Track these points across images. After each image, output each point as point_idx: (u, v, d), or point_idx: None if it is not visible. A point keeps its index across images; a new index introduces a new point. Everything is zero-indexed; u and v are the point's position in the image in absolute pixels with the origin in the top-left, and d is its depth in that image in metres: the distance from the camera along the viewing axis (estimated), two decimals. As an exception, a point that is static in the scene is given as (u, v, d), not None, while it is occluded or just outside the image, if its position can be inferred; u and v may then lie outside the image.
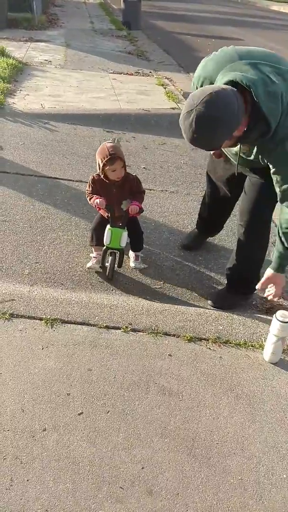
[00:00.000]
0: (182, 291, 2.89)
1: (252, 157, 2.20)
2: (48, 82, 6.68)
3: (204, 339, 2.45)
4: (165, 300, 2.77)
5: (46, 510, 1.61)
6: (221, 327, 2.54)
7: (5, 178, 3.94)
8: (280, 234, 2.24)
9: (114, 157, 2.61)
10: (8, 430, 1.86)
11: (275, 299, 2.48)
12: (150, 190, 3.94)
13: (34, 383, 2.07)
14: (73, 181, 4.04)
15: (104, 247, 2.81)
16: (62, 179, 4.06)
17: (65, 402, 2.00)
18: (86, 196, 2.86)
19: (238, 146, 2.19)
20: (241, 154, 2.24)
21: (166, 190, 4.06)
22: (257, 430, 1.99)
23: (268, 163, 2.13)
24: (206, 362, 2.30)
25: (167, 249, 3.26)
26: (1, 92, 5.67)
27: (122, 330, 2.43)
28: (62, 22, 12.31)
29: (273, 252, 2.34)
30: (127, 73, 7.70)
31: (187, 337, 2.43)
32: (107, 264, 2.85)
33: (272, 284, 2.40)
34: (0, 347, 2.24)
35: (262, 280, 2.40)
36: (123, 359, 2.25)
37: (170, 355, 2.31)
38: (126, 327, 2.44)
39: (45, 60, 7.95)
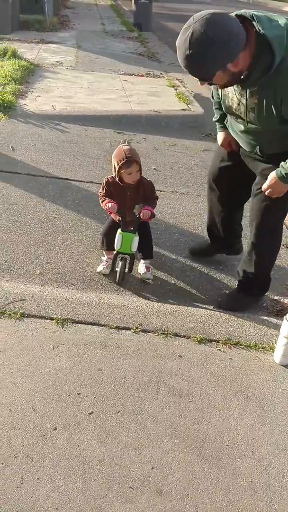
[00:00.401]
0: (193, 292, 2.89)
1: (264, 112, 2.06)
2: (59, 83, 6.73)
3: (215, 340, 2.45)
4: (175, 301, 2.77)
5: (57, 509, 1.62)
6: (231, 329, 2.54)
7: (17, 179, 3.97)
8: None
9: (131, 160, 2.60)
10: (19, 428, 1.87)
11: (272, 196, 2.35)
12: (161, 191, 3.94)
13: (45, 382, 2.08)
14: (84, 182, 4.06)
15: (115, 252, 2.78)
16: (73, 180, 4.09)
17: (75, 402, 2.01)
18: (99, 198, 2.84)
19: (245, 102, 2.10)
20: (250, 114, 2.12)
21: (177, 192, 4.06)
22: (268, 432, 1.98)
23: (283, 101, 1.98)
24: (216, 364, 2.30)
25: (177, 251, 3.26)
26: (12, 93, 5.72)
27: (132, 330, 2.44)
28: (73, 24, 12.37)
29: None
30: (138, 75, 7.73)
31: (197, 339, 2.43)
32: (117, 269, 2.82)
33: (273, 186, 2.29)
34: (11, 346, 2.26)
35: (266, 183, 2.29)
36: (134, 359, 2.26)
37: (180, 356, 2.32)
38: (137, 328, 2.45)
39: (57, 61, 8.00)
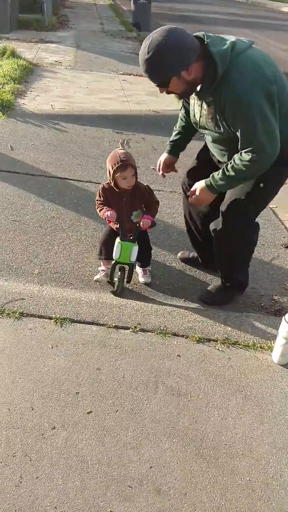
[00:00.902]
0: (191, 292, 2.89)
1: (218, 121, 2.24)
2: (58, 83, 6.73)
3: (213, 340, 2.45)
4: (174, 300, 2.77)
5: (55, 508, 1.62)
6: (229, 328, 2.54)
7: (16, 178, 3.97)
8: (229, 165, 2.28)
9: (125, 164, 2.53)
10: (18, 428, 1.87)
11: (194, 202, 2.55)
12: (159, 191, 3.94)
13: (44, 381, 2.09)
14: (83, 181, 4.07)
15: (113, 262, 2.67)
16: (71, 179, 4.09)
17: (74, 401, 2.01)
18: (96, 206, 2.74)
19: (205, 113, 2.28)
20: (210, 124, 2.30)
21: (175, 191, 4.06)
22: (266, 431, 1.99)
23: (228, 117, 2.17)
24: (215, 363, 2.30)
25: (176, 250, 3.26)
26: (11, 93, 5.72)
27: (131, 330, 2.44)
28: (72, 24, 12.38)
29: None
30: (136, 74, 7.72)
31: (196, 338, 2.43)
32: (116, 279, 2.72)
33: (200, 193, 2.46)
34: (10, 345, 2.26)
35: (193, 188, 2.49)
36: (132, 359, 2.26)
37: (178, 355, 2.32)
38: (135, 327, 2.45)
39: (55, 61, 8.00)
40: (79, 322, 2.46)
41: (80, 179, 4.09)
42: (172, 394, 2.10)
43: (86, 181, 4.07)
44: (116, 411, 1.99)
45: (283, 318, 2.28)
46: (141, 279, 2.88)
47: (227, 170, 2.28)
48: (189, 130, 2.69)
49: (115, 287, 2.74)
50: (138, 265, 2.90)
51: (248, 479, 1.79)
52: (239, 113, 2.12)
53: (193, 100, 2.36)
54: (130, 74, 7.68)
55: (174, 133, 2.81)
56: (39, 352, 2.24)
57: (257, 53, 2.18)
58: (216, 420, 2.01)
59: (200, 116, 2.34)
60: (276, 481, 1.80)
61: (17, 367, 2.15)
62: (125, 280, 2.71)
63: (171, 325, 2.50)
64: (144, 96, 6.49)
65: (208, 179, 2.40)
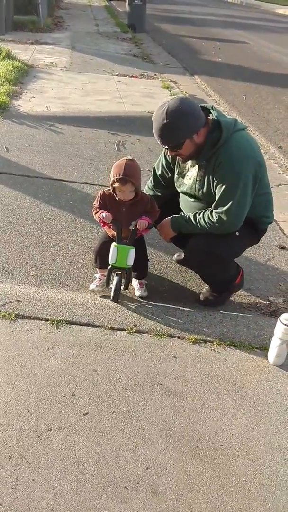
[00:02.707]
0: (187, 292, 2.89)
1: (204, 186, 2.46)
2: (53, 84, 6.73)
3: (209, 341, 2.46)
4: (170, 301, 2.77)
5: (52, 510, 1.62)
6: (225, 329, 2.55)
7: (11, 179, 3.97)
8: (198, 216, 2.50)
9: (125, 180, 2.41)
10: (14, 430, 1.87)
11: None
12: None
13: (40, 383, 2.09)
14: (79, 183, 4.07)
15: (109, 267, 2.56)
16: (67, 181, 4.09)
17: (70, 403, 2.01)
18: (92, 209, 2.64)
19: (195, 175, 2.50)
20: (195, 185, 2.51)
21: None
22: (262, 432, 1.99)
23: (216, 177, 2.39)
24: (211, 364, 2.31)
25: (171, 251, 3.26)
26: (7, 94, 5.71)
27: (127, 331, 2.44)
28: (67, 25, 12.38)
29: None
30: (132, 76, 7.74)
31: (192, 339, 2.44)
32: (112, 286, 2.61)
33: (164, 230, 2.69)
34: (6, 347, 2.26)
35: (160, 223, 2.69)
36: (128, 360, 2.27)
37: (174, 356, 2.33)
38: (131, 329, 2.46)
39: (51, 62, 8.00)
40: (75, 323, 2.46)
41: (75, 181, 4.09)
42: (168, 395, 2.11)
43: (81, 182, 4.07)
44: (113, 413, 1.99)
45: (278, 319, 2.29)
46: (137, 292, 2.76)
47: (194, 219, 2.52)
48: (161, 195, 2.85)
49: (112, 293, 2.63)
50: (133, 277, 2.76)
51: (244, 479, 1.80)
52: (227, 177, 2.36)
53: (185, 164, 2.57)
54: (126, 76, 7.70)
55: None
56: (35, 354, 2.24)
57: (251, 137, 2.51)
58: (212, 421, 2.02)
59: (190, 178, 2.55)
60: (272, 482, 1.81)
61: (13, 369, 2.14)
62: (122, 286, 2.61)
63: (167, 327, 2.51)
64: (140, 98, 6.50)
65: (175, 216, 2.62)
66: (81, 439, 1.87)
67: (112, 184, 2.48)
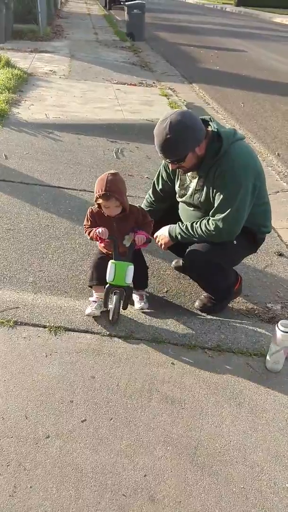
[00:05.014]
0: (185, 299, 2.90)
1: (203, 195, 2.47)
2: (52, 92, 6.77)
3: (207, 347, 2.46)
4: (168, 308, 2.78)
5: (49, 517, 1.61)
6: (223, 336, 2.55)
7: (10, 187, 3.99)
8: (195, 225, 2.52)
9: (108, 195, 2.32)
10: (12, 437, 1.87)
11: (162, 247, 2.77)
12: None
13: (38, 390, 2.09)
14: (77, 190, 4.08)
15: (107, 285, 2.44)
16: (66, 188, 4.10)
17: (68, 409, 2.01)
18: (84, 231, 2.54)
19: (194, 185, 2.51)
20: (197, 193, 2.51)
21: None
22: (260, 438, 1.99)
23: (216, 185, 2.40)
24: (209, 371, 2.31)
25: (170, 258, 3.27)
26: (6, 102, 5.75)
27: (125, 338, 2.45)
28: (66, 33, 12.48)
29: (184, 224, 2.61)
30: (130, 84, 7.79)
31: (190, 346, 2.44)
32: (111, 306, 2.47)
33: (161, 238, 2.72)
34: (4, 354, 2.26)
35: (158, 232, 2.73)
36: (126, 367, 2.27)
37: (172, 363, 2.33)
38: (129, 336, 2.46)
39: (50, 70, 8.06)
40: (73, 330, 2.46)
41: (74, 188, 4.11)
42: (166, 402, 2.11)
43: (80, 189, 4.09)
44: (111, 419, 1.99)
45: (276, 326, 2.30)
46: (137, 305, 2.67)
47: (192, 228, 2.54)
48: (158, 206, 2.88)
49: (111, 314, 2.49)
50: (134, 287, 2.64)
51: (242, 486, 1.80)
52: (228, 186, 2.37)
53: (185, 176, 2.59)
54: (124, 84, 7.75)
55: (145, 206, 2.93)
56: (33, 360, 2.24)
57: (250, 147, 2.53)
58: (210, 427, 2.02)
59: (190, 188, 2.56)
60: (270, 489, 1.80)
61: (11, 375, 2.14)
62: (121, 306, 2.49)
63: (165, 333, 2.51)
64: (138, 105, 6.54)
65: (172, 226, 2.65)
66: (79, 446, 1.87)
67: (96, 201, 2.40)
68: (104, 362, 2.28)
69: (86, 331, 2.46)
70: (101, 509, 1.66)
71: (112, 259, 2.43)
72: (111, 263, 2.41)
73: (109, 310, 2.50)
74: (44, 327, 2.45)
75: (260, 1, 28.48)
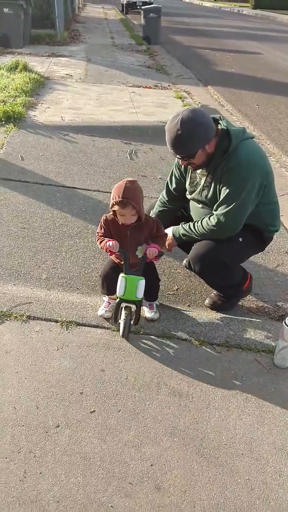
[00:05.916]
0: (195, 297, 2.94)
1: (210, 191, 2.51)
2: (68, 95, 6.88)
3: (215, 343, 2.49)
4: (178, 305, 2.82)
5: (58, 502, 1.67)
6: (232, 332, 2.58)
7: (26, 187, 4.08)
8: (196, 223, 2.58)
9: (124, 203, 2.24)
10: (23, 425, 1.93)
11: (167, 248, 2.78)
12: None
13: (49, 381, 2.15)
14: (91, 190, 4.15)
15: (117, 300, 2.39)
16: (80, 188, 4.18)
17: (78, 401, 2.07)
18: (96, 239, 2.45)
19: (202, 182, 2.55)
20: (205, 190, 2.55)
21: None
22: (266, 432, 2.02)
23: (224, 180, 2.44)
24: (217, 366, 2.34)
25: (181, 256, 3.31)
26: (23, 105, 5.87)
27: (135, 333, 2.49)
28: (83, 38, 12.63)
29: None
30: (146, 87, 7.86)
31: (199, 341, 2.48)
32: (121, 321, 2.43)
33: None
34: (17, 347, 2.33)
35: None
36: (135, 361, 2.32)
37: (180, 358, 2.37)
38: (139, 331, 2.51)
39: (66, 74, 8.18)
40: (84, 325, 2.52)
41: (88, 188, 4.18)
42: (173, 395, 2.15)
43: (94, 190, 4.16)
44: (119, 411, 2.04)
45: (283, 322, 2.32)
46: (147, 314, 2.62)
47: (193, 227, 2.60)
48: (171, 208, 2.90)
49: (121, 329, 2.44)
50: (144, 299, 2.54)
51: (247, 478, 1.83)
52: (234, 182, 2.41)
53: (195, 174, 2.63)
54: (140, 86, 7.82)
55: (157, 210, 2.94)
56: (45, 353, 2.30)
57: (259, 146, 2.57)
58: (217, 420, 2.05)
59: (199, 184, 2.60)
60: (275, 481, 1.83)
61: (24, 367, 2.21)
62: (132, 321, 2.41)
63: (174, 329, 2.55)
64: (153, 108, 6.60)
65: (177, 226, 2.70)
66: (88, 435, 1.92)
67: (111, 207, 2.32)
68: (113, 356, 2.33)
69: (96, 326, 2.52)
70: (108, 496, 1.70)
71: (122, 270, 2.37)
72: (121, 277, 2.34)
73: (119, 325, 2.47)
74: (56, 321, 2.51)
75: (277, 4, 28.39)
